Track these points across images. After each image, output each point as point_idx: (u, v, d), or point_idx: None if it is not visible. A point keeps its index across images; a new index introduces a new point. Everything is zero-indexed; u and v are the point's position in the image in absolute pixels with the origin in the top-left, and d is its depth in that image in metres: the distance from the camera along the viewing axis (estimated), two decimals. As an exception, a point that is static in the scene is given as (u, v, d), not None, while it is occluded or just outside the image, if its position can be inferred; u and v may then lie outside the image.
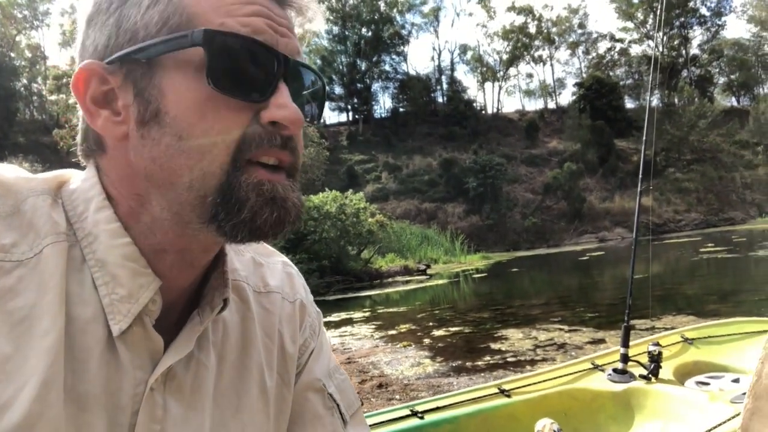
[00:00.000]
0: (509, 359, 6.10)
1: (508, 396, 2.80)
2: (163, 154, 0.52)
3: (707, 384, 2.91)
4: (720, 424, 2.11)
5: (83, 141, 0.60)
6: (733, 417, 2.18)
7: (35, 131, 40.55)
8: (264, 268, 0.74)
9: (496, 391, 2.82)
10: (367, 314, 11.25)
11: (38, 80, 45.51)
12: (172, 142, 0.52)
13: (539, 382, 2.84)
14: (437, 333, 8.28)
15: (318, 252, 18.01)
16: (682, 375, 3.03)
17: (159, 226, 0.55)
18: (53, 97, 23.68)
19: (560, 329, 7.50)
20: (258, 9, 0.54)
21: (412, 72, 65.47)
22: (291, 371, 0.72)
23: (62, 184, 0.59)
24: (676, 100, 52.54)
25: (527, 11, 63.80)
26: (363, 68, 61.55)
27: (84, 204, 0.56)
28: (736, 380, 2.91)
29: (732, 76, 63.31)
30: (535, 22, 65.05)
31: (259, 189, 0.53)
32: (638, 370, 2.91)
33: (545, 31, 66.13)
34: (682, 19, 60.38)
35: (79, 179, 0.59)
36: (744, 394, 2.58)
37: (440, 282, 18.07)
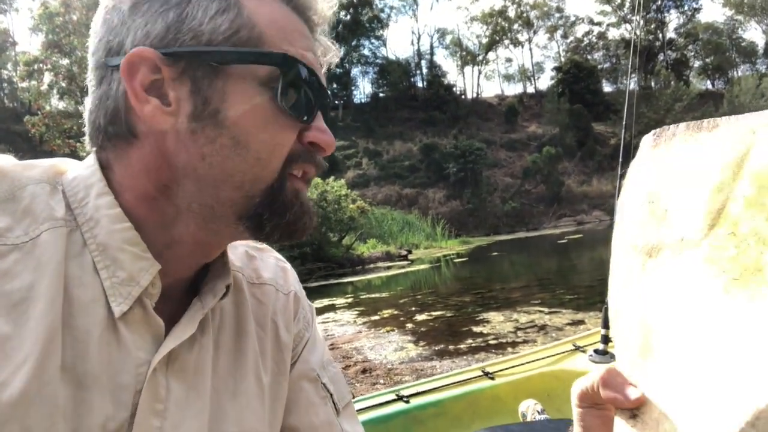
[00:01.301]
0: (491, 342, 6.18)
1: (492, 378, 2.84)
2: (217, 153, 0.56)
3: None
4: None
5: (101, 126, 0.58)
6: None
7: (6, 119, 39.61)
8: (257, 260, 0.76)
9: (480, 373, 2.86)
10: (349, 300, 11.29)
11: (8, 66, 44.33)
12: (227, 143, 0.55)
13: (522, 364, 2.88)
14: (420, 318, 8.35)
15: (299, 239, 17.96)
16: (661, 354, 3.09)
17: (182, 218, 0.58)
18: (24, 84, 23.08)
19: (540, 311, 7.61)
20: (309, 44, 0.61)
21: (391, 56, 65.28)
22: (286, 360, 0.73)
23: (60, 173, 0.60)
24: (652, 84, 53.21)
25: (506, -5, 63.83)
26: (342, 53, 60.93)
27: (85, 190, 0.58)
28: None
29: (707, 60, 64.26)
30: (515, 6, 65.13)
31: (298, 197, 0.61)
32: (618, 351, 2.97)
33: (524, 14, 66.26)
34: (659, 2, 60.93)
35: (79, 168, 0.60)
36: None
37: (422, 267, 18.16)
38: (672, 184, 0.53)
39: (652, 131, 0.57)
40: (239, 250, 0.74)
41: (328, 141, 0.61)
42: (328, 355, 0.80)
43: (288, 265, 0.80)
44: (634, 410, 0.47)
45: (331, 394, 0.76)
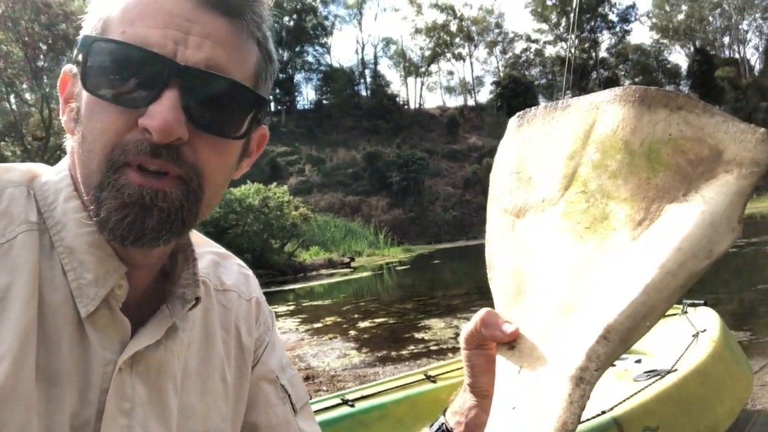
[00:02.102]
0: (432, 348, 6.29)
1: (434, 381, 2.93)
2: (77, 151, 0.58)
3: (614, 365, 3.16)
4: (625, 400, 2.33)
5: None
6: (636, 393, 2.40)
7: None
8: (221, 267, 0.78)
9: (423, 377, 2.94)
10: (291, 308, 11.19)
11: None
12: (80, 140, 0.57)
13: (462, 368, 2.98)
14: (362, 325, 8.39)
15: (240, 245, 17.62)
16: (592, 357, 3.26)
17: None
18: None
19: (480, 318, 7.79)
20: (163, 19, 0.54)
21: (335, 64, 65.28)
22: (248, 363, 0.76)
23: (34, 177, 0.62)
24: (586, 100, 55.44)
25: (449, 9, 65.21)
26: (285, 58, 60.54)
27: (54, 194, 0.60)
28: (638, 361, 3.19)
29: (636, 79, 67.61)
30: (457, 21, 66.62)
31: (119, 191, 0.54)
32: (553, 354, 3.11)
33: (465, 29, 67.86)
34: (593, 23, 63.85)
35: (51, 172, 0.63)
36: (645, 372, 2.85)
37: (364, 274, 18.22)
38: (534, 155, 0.63)
39: (516, 114, 0.68)
40: (207, 258, 0.77)
41: (152, 124, 0.53)
42: (287, 358, 0.84)
43: (250, 272, 0.83)
44: (512, 343, 0.55)
45: (289, 395, 0.79)
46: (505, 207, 0.64)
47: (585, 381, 0.46)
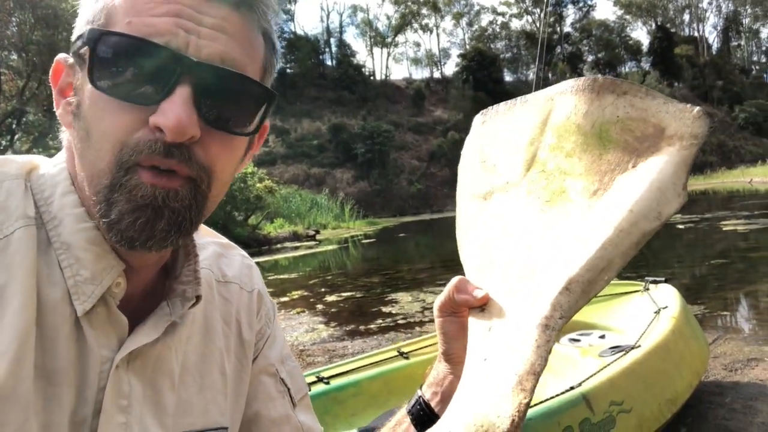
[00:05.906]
0: (400, 321, 6.37)
1: (407, 358, 2.98)
2: (78, 147, 0.55)
3: (579, 341, 3.28)
4: (591, 376, 2.42)
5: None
6: (601, 369, 2.49)
7: None
8: (223, 258, 0.77)
9: (396, 354, 2.99)
10: (257, 281, 11.11)
11: None
12: (83, 136, 0.54)
13: (435, 344, 3.04)
14: (329, 299, 8.42)
15: (203, 218, 17.33)
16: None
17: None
18: None
19: (446, 292, 7.91)
20: (173, 8, 0.52)
21: (300, 32, 63.90)
22: (249, 356, 0.76)
23: (32, 170, 0.60)
24: (550, 75, 56.11)
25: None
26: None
27: (51, 189, 0.58)
28: (602, 336, 3.30)
29: (599, 55, 68.56)
30: (424, -10, 65.85)
31: (132, 193, 0.52)
32: (521, 330, 3.20)
33: (432, -1, 67.24)
34: (558, -3, 64.09)
35: (49, 165, 0.60)
36: (610, 348, 2.96)
37: (330, 248, 18.22)
38: (498, 145, 0.70)
39: (481, 111, 0.75)
40: (209, 249, 0.76)
41: (165, 123, 0.51)
42: (287, 350, 0.83)
43: (253, 263, 0.82)
44: (482, 306, 0.60)
45: (289, 389, 0.79)
46: (473, 192, 0.69)
47: (550, 328, 0.51)
